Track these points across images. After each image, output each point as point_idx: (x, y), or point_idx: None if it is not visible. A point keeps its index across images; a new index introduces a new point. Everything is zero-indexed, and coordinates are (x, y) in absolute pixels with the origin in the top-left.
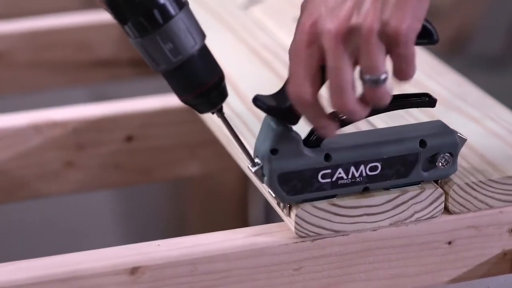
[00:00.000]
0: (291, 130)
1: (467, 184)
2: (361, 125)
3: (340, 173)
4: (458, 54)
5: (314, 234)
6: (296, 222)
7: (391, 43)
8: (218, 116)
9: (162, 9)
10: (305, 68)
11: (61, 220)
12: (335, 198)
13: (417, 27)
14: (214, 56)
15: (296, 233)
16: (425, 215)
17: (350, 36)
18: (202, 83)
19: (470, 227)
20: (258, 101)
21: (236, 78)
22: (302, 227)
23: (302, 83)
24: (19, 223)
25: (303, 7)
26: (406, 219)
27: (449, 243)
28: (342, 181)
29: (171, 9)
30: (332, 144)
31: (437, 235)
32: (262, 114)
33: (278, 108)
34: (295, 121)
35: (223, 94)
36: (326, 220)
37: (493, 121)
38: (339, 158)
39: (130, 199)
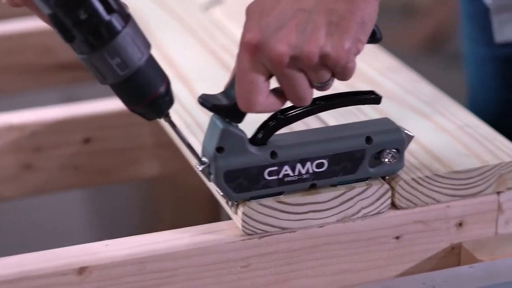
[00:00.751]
0: (236, 128)
1: (413, 179)
2: (312, 123)
3: (286, 170)
4: (437, 53)
5: (261, 231)
6: (242, 220)
7: (331, 66)
8: (166, 121)
9: (108, 25)
10: (252, 86)
11: (36, 220)
12: (281, 196)
13: (358, 49)
14: (159, 64)
15: (243, 231)
16: (372, 211)
17: (293, 60)
18: (149, 93)
19: (418, 222)
20: (203, 100)
21: (192, 78)
22: (249, 225)
23: (252, 101)
24: None
25: (248, 14)
26: (353, 215)
27: (397, 238)
28: (288, 178)
29: (117, 24)
30: (279, 141)
31: (384, 230)
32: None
33: (222, 106)
34: (240, 119)
35: (170, 101)
36: (273, 217)
37: (443, 116)
38: (285, 155)
39: (102, 199)
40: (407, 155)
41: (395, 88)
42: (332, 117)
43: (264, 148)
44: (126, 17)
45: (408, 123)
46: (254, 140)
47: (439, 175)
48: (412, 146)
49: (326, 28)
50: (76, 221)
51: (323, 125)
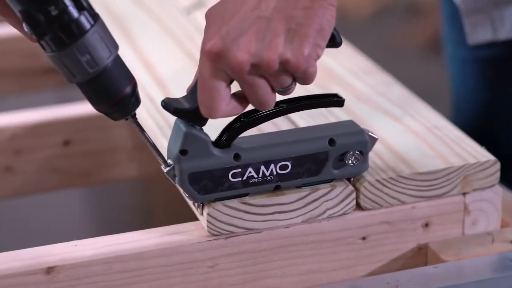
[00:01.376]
0: (200, 131)
1: (377, 180)
2: (282, 125)
3: (250, 172)
4: (442, 51)
5: (227, 232)
6: (208, 221)
7: (292, 71)
8: (132, 122)
9: (78, 22)
10: (213, 93)
11: (31, 219)
12: (246, 197)
13: (318, 54)
14: (126, 65)
15: (209, 232)
16: (337, 211)
17: (253, 68)
18: (116, 93)
19: (383, 223)
20: (165, 104)
21: (168, 81)
22: (215, 226)
23: (214, 108)
24: None
25: (208, 20)
26: (318, 216)
27: (363, 238)
28: (253, 180)
29: (86, 22)
30: (242, 144)
31: (350, 231)
32: None
33: (185, 110)
34: (203, 123)
35: (137, 101)
36: (238, 218)
37: (413, 118)
38: (249, 157)
39: (99, 197)
40: (373, 156)
41: (366, 89)
42: (302, 119)
43: (228, 151)
44: (95, 16)
45: (377, 125)
46: (218, 143)
47: (403, 177)
48: (379, 147)
49: (285, 35)
50: (70, 220)
51: (293, 127)
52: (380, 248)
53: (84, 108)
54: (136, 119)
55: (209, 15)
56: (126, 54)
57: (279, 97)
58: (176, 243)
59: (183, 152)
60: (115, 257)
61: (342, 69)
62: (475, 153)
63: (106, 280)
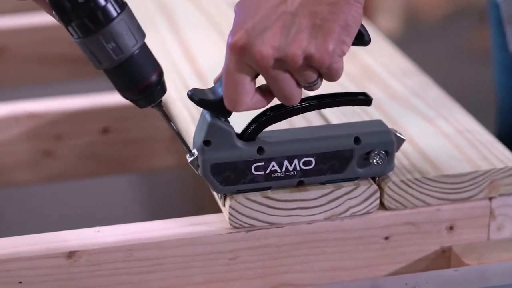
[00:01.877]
0: (224, 122)
1: (402, 181)
2: (315, 121)
3: (273, 166)
4: None
5: (248, 225)
6: (230, 213)
7: (316, 67)
8: (158, 110)
9: (105, 10)
10: (238, 87)
11: (68, 204)
12: (269, 191)
13: (343, 50)
14: (153, 54)
15: (230, 224)
16: (360, 210)
17: (277, 62)
18: (141, 80)
19: (407, 224)
20: (192, 94)
21: (208, 73)
22: (236, 218)
23: (237, 101)
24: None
25: (236, 13)
26: (341, 213)
27: (386, 238)
28: (276, 174)
29: (113, 10)
30: (267, 138)
31: (373, 230)
32: None
33: (210, 102)
34: (227, 115)
35: (162, 90)
36: (260, 212)
37: (445, 120)
38: (272, 151)
39: (135, 186)
40: (399, 156)
41: (403, 90)
42: (335, 116)
43: (252, 144)
44: (123, 5)
45: (408, 125)
46: (243, 135)
47: (429, 178)
48: (407, 147)
49: (309, 30)
50: (106, 207)
51: (325, 123)
52: (403, 249)
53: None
54: (162, 107)
55: (237, 8)
56: (171, 44)
57: (307, 93)
58: (197, 233)
59: (206, 142)
60: (136, 245)
61: (381, 69)
62: (504, 158)
63: (127, 267)
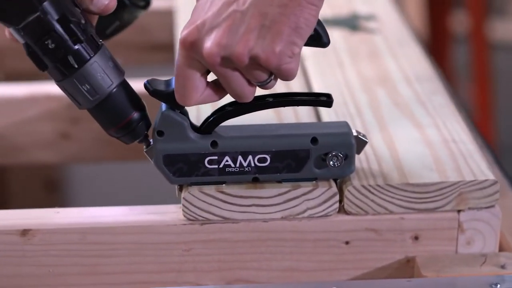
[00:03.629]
0: (178, 114)
1: (363, 186)
2: (304, 117)
3: (227, 161)
4: None
5: (202, 218)
6: (183, 205)
7: (264, 67)
8: (144, 145)
9: (76, 54)
10: (187, 82)
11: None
12: (224, 186)
13: (293, 52)
14: (134, 91)
15: (184, 216)
16: (318, 212)
17: (225, 60)
18: (121, 118)
19: (369, 230)
20: (148, 83)
21: None
22: (190, 210)
23: (186, 96)
24: None
25: (193, 9)
26: (298, 214)
27: (347, 243)
28: (230, 169)
29: (85, 53)
30: (223, 132)
31: (333, 233)
32: None
33: (162, 93)
34: (179, 107)
35: (145, 126)
36: (215, 206)
37: (436, 129)
38: (226, 146)
39: (147, 173)
40: (372, 161)
41: (409, 95)
42: (327, 115)
43: (206, 137)
44: (97, 46)
45: (396, 130)
46: (200, 128)
47: (392, 185)
48: (384, 153)
49: (258, 30)
50: (118, 192)
51: (317, 120)
52: (364, 255)
53: (140, 84)
54: (149, 143)
55: (196, 4)
56: None
57: (273, 90)
58: (151, 222)
59: (159, 133)
60: (90, 228)
61: (398, 73)
62: (477, 171)
63: (80, 249)
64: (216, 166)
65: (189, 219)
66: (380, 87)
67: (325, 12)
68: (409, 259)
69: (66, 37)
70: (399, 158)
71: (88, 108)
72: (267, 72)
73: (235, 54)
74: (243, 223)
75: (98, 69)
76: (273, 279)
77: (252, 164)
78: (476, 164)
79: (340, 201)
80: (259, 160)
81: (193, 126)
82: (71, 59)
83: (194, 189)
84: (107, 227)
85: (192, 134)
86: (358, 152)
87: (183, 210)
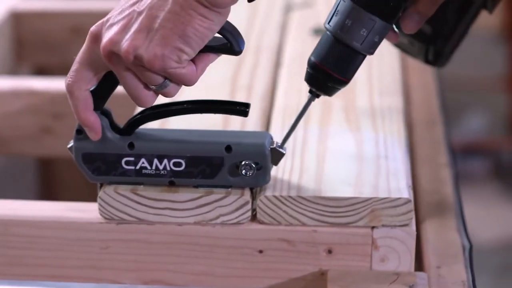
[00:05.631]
0: (98, 114)
1: (275, 196)
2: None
3: (143, 163)
4: None
5: (118, 218)
6: (99, 204)
7: (148, 68)
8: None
9: None
10: (82, 69)
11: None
12: (139, 188)
13: (180, 57)
14: None
15: (101, 214)
16: (231, 219)
17: (116, 57)
18: None
19: (282, 240)
20: None
21: None
22: (106, 209)
23: (69, 88)
24: None
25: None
26: (211, 220)
27: (260, 251)
28: (146, 171)
29: None
30: (142, 134)
31: (246, 241)
32: None
33: None
34: (99, 107)
35: None
36: (129, 207)
37: (375, 146)
38: (142, 148)
39: None
40: (295, 172)
41: (364, 109)
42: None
43: (125, 138)
44: None
45: (334, 143)
46: (120, 129)
47: (304, 198)
48: (310, 164)
49: (147, 32)
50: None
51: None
52: (278, 265)
53: None
54: None
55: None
56: None
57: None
58: (70, 219)
59: (78, 131)
60: (12, 221)
61: (364, 83)
62: (394, 189)
63: (3, 240)
64: (133, 167)
65: (106, 218)
66: (339, 98)
67: None
68: (323, 272)
69: None
70: (323, 171)
71: None
72: (161, 76)
73: (122, 51)
74: (158, 226)
75: None
76: (189, 282)
77: (168, 168)
78: (396, 182)
79: (255, 209)
80: (175, 164)
81: (114, 126)
82: None
83: (110, 189)
84: (29, 221)
85: (111, 134)
86: (275, 163)
87: (99, 209)
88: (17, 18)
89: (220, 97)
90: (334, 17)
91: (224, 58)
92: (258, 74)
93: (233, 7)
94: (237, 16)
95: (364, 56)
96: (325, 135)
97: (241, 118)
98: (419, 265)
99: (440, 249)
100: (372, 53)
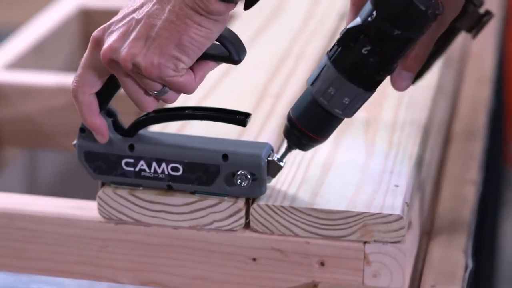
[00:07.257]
0: (102, 113)
1: (267, 206)
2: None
3: (142, 165)
4: None
5: (116, 218)
6: (98, 203)
7: (146, 76)
8: None
9: None
10: (85, 74)
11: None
12: (138, 189)
13: (177, 66)
14: None
15: (99, 213)
16: (225, 225)
17: (115, 64)
18: None
19: (275, 250)
20: None
21: None
22: (104, 209)
23: (74, 92)
24: None
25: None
26: (205, 225)
27: (254, 259)
28: (145, 174)
29: None
30: (144, 137)
31: (240, 248)
32: None
33: None
34: (104, 106)
35: None
36: (127, 208)
37: (384, 159)
38: (142, 150)
39: None
40: (296, 182)
41: (387, 121)
42: None
43: (126, 140)
44: None
45: (345, 155)
46: (124, 130)
47: (296, 209)
48: (314, 175)
49: (145, 40)
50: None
51: None
52: (272, 274)
53: None
54: None
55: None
56: None
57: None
58: (71, 216)
59: (81, 130)
60: (16, 215)
61: (394, 94)
62: (388, 205)
63: (7, 233)
64: (132, 169)
65: (104, 217)
66: (363, 110)
67: None
68: (315, 284)
69: None
70: (323, 183)
71: None
72: (159, 83)
73: (120, 58)
74: (155, 228)
75: None
76: (186, 285)
77: (166, 172)
78: (392, 198)
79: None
80: (172, 169)
81: (119, 127)
82: None
83: (109, 189)
84: (33, 216)
85: (113, 135)
86: (273, 175)
87: (98, 208)
88: (86, 15)
89: (244, 104)
90: (317, 81)
91: (261, 63)
92: (291, 82)
93: (286, 10)
94: (290, 18)
95: (343, 119)
96: (337, 146)
97: (258, 125)
98: (418, 283)
99: (441, 268)
100: (351, 116)
